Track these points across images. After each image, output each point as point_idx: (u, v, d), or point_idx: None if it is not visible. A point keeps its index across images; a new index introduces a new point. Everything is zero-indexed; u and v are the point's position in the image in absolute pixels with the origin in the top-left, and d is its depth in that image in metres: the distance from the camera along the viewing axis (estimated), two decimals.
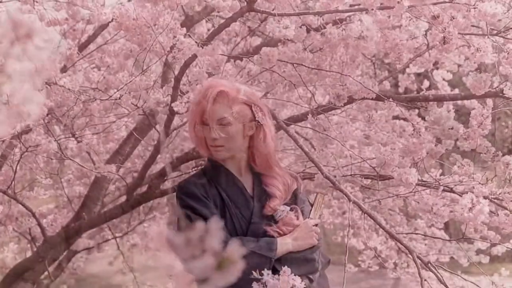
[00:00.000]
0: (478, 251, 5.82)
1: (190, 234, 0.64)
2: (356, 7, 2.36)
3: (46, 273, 4.43)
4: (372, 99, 2.76)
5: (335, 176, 3.03)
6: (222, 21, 3.23)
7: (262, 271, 1.99)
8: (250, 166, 2.34)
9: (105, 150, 5.15)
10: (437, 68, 5.11)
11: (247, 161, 2.33)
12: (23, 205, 3.68)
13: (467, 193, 3.12)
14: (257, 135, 2.29)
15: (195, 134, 2.25)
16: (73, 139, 3.97)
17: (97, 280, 11.95)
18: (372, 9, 2.15)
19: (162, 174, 3.70)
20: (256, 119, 2.25)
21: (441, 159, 5.61)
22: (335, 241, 6.75)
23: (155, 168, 4.89)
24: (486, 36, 2.94)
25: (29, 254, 4.38)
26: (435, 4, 2.40)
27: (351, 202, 2.27)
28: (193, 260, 0.63)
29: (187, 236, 0.64)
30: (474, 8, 2.34)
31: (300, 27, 2.79)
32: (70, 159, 3.37)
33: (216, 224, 0.65)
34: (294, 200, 2.33)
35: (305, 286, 2.00)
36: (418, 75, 5.86)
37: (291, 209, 2.27)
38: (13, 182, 3.60)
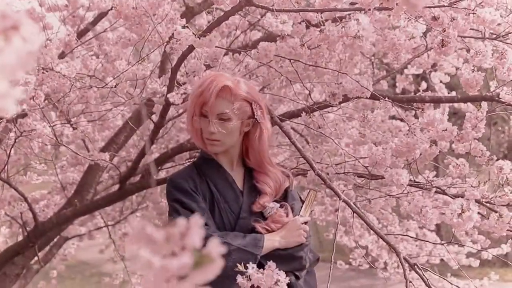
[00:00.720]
0: (469, 254, 5.84)
1: (170, 230, 0.64)
2: (354, 6, 2.35)
3: (36, 258, 4.44)
4: (366, 98, 2.75)
5: (327, 174, 3.04)
6: (222, 14, 3.23)
7: (247, 265, 1.99)
8: (242, 160, 2.35)
9: (101, 138, 5.15)
10: (435, 70, 5.11)
11: (240, 155, 2.33)
12: (16, 189, 3.68)
13: (459, 196, 3.15)
14: (253, 132, 2.29)
15: (192, 124, 2.24)
16: (68, 125, 3.97)
17: (88, 268, 11.97)
18: (369, 9, 2.15)
19: (156, 164, 3.70)
20: (255, 116, 2.26)
21: (436, 161, 5.62)
22: (327, 238, 6.76)
23: (150, 158, 4.90)
24: (485, 40, 2.95)
25: (20, 238, 4.37)
26: (434, 7, 2.40)
27: (341, 200, 2.27)
28: (171, 257, 0.63)
29: (167, 232, 0.64)
30: (473, 13, 2.34)
31: (300, 23, 2.79)
32: (64, 145, 3.37)
33: (197, 221, 0.66)
34: (284, 197, 2.34)
35: (289, 281, 1.99)
36: (416, 76, 5.87)
37: (281, 206, 2.27)
38: (6, 166, 3.60)
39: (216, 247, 0.65)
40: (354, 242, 6.20)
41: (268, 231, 2.21)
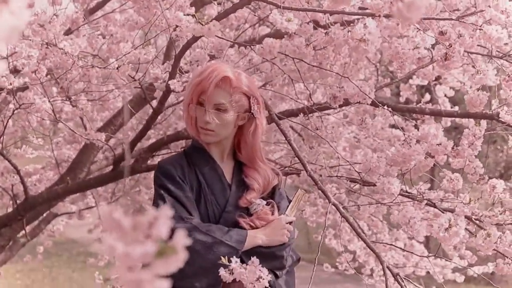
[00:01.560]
0: (455, 269, 5.83)
1: (138, 219, 0.64)
2: (364, 11, 2.35)
3: (23, 231, 4.44)
4: (367, 104, 2.75)
5: (320, 176, 3.04)
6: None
7: (231, 258, 1.99)
8: (233, 153, 2.35)
9: (100, 118, 5.15)
10: (440, 83, 5.11)
11: (231, 148, 2.33)
12: (9, 161, 3.68)
13: (450, 210, 3.15)
14: (247, 126, 2.29)
15: (188, 112, 2.23)
16: (68, 102, 3.97)
17: (75, 246, 11.99)
18: (379, 16, 2.14)
19: (151, 149, 3.70)
20: (251, 111, 2.25)
21: (432, 173, 5.61)
22: (316, 239, 6.75)
23: (146, 143, 4.89)
24: (490, 58, 2.95)
25: (10, 210, 4.38)
26: (441, 19, 2.40)
27: (330, 204, 2.27)
28: (135, 244, 0.63)
29: (135, 220, 0.64)
30: (480, 29, 2.33)
31: (308, 23, 2.78)
32: (62, 122, 3.37)
33: (165, 212, 0.65)
34: (272, 194, 2.33)
35: (269, 280, 2.00)
36: (421, 87, 5.86)
37: (268, 204, 2.27)
38: (2, 138, 3.60)
39: (181, 240, 0.65)
40: (342, 246, 6.20)
41: (252, 227, 2.21)
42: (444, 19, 2.39)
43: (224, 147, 2.30)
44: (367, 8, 2.35)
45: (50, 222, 5.43)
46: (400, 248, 3.74)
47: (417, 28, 2.65)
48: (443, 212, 2.97)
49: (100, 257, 6.60)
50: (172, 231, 1.89)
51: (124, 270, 0.63)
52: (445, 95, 5.21)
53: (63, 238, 11.22)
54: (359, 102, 2.72)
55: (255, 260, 1.99)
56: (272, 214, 2.25)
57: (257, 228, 2.21)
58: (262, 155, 2.34)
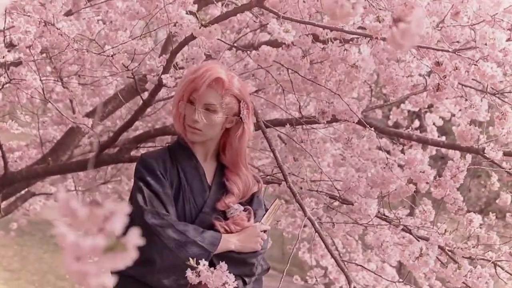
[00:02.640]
0: None
1: (95, 210, 0.64)
2: (363, 31, 2.36)
3: None
4: (353, 122, 2.76)
5: (301, 188, 3.04)
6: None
7: (199, 261, 1.98)
8: (217, 154, 2.34)
9: (90, 103, 5.13)
10: (431, 112, 5.13)
11: (215, 149, 2.33)
12: None
13: (425, 238, 3.16)
14: (235, 130, 2.29)
15: (177, 108, 2.23)
16: (60, 83, 3.95)
17: (49, 228, 11.89)
18: (376, 38, 2.15)
19: (136, 141, 3.69)
20: (240, 115, 2.26)
21: (414, 200, 5.64)
22: (290, 251, 6.74)
23: (133, 134, 4.88)
24: (485, 94, 2.96)
25: None
26: (439, 50, 2.41)
27: (306, 217, 2.27)
28: (86, 235, 0.63)
29: (91, 211, 0.64)
30: (475, 65, 2.34)
31: (307, 35, 2.79)
32: (50, 101, 3.35)
33: (124, 208, 0.65)
34: (250, 201, 2.33)
35: (236, 286, 1.99)
36: (412, 113, 5.89)
37: (245, 210, 2.27)
38: None
39: (134, 239, 0.65)
40: (315, 260, 6.20)
41: (227, 232, 2.21)
42: (441, 50, 2.40)
43: (209, 147, 2.30)
44: (366, 29, 2.36)
45: (26, 201, 5.40)
46: (371, 271, 3.74)
47: (414, 55, 2.66)
48: (417, 240, 2.98)
49: None
50: (146, 225, 1.89)
51: (71, 259, 0.63)
52: (434, 124, 5.24)
53: (38, 218, 11.13)
54: (346, 120, 2.72)
55: (223, 265, 1.98)
56: (248, 220, 2.26)
57: (231, 232, 2.21)
58: (246, 161, 2.34)
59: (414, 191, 3.06)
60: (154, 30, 3.18)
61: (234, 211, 2.24)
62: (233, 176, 2.29)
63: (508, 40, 2.30)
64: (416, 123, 5.18)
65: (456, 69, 2.46)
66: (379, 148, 4.88)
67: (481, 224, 3.24)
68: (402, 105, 5.05)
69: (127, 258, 0.65)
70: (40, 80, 3.16)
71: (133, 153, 3.79)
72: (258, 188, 2.37)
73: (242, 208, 2.26)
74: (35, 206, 6.06)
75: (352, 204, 2.80)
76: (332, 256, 2.19)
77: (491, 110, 3.53)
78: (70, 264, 0.63)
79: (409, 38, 0.93)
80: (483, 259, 2.97)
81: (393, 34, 0.93)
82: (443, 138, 4.92)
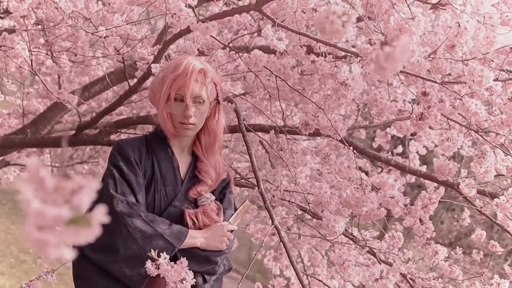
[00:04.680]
0: None
1: (63, 182, 0.64)
2: (353, 49, 2.37)
3: None
4: (336, 139, 2.77)
5: (273, 196, 3.05)
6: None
7: (161, 254, 1.98)
8: (192, 148, 2.34)
9: (78, 81, 5.11)
10: (415, 140, 5.17)
11: (192, 141, 2.32)
12: None
13: (388, 263, 3.18)
14: (213, 114, 2.30)
15: (166, 110, 2.20)
16: (50, 57, 3.93)
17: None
18: (366, 59, 2.16)
19: (117, 125, 3.67)
20: (218, 98, 2.27)
21: (385, 224, 5.67)
22: (257, 256, 6.75)
23: (116, 118, 4.87)
24: (468, 130, 2.98)
25: None
26: (427, 80, 2.42)
27: (272, 226, 2.27)
28: (50, 205, 0.63)
29: (60, 182, 0.63)
30: (460, 99, 2.36)
31: (301, 46, 2.79)
32: (36, 73, 3.32)
33: (93, 185, 0.65)
34: (222, 199, 2.34)
35: (195, 283, 1.99)
36: (397, 138, 5.92)
37: (216, 201, 2.29)
38: None
39: (99, 216, 0.65)
40: (279, 270, 6.21)
41: (194, 223, 2.20)
42: (429, 80, 2.42)
43: (188, 140, 2.30)
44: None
45: (1, 169, 5.36)
46: (325, 284, 3.75)
47: (402, 81, 2.67)
48: (380, 263, 2.99)
49: None
50: (114, 212, 1.88)
51: (33, 228, 0.63)
52: (417, 152, 5.27)
53: (10, 189, 11.07)
54: (329, 136, 2.73)
55: (184, 260, 1.98)
56: (217, 214, 2.26)
57: (199, 223, 2.21)
58: (221, 145, 2.35)
59: (387, 216, 3.07)
60: (150, 18, 3.16)
61: (205, 199, 2.24)
62: (205, 167, 2.29)
63: (495, 80, 2.32)
64: (400, 148, 5.21)
65: (441, 101, 2.48)
66: (360, 168, 4.92)
67: (447, 257, 3.27)
68: (388, 129, 5.08)
69: (90, 234, 0.65)
70: (30, 51, 3.14)
71: (112, 137, 3.78)
72: (227, 177, 2.38)
73: (213, 197, 2.27)
74: (9, 176, 6.02)
75: (321, 219, 2.81)
76: (293, 266, 2.19)
77: (475, 146, 3.56)
78: (31, 232, 0.63)
79: (392, 62, 0.94)
80: None
81: (378, 56, 0.94)
82: (424, 167, 4.95)
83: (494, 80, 2.27)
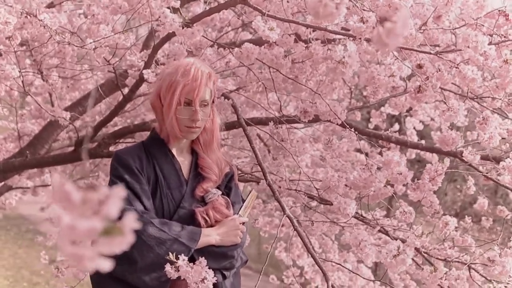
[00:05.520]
0: None
1: (89, 194, 0.63)
2: (346, 32, 2.36)
3: None
4: (336, 124, 2.77)
5: (279, 187, 3.05)
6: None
7: (179, 256, 1.98)
8: (191, 147, 2.34)
9: (69, 97, 5.09)
10: (411, 115, 5.17)
11: (191, 140, 2.32)
12: None
13: (401, 240, 3.18)
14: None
15: (175, 115, 2.19)
16: (39, 76, 3.91)
17: (25, 223, 11.80)
18: (360, 38, 2.16)
19: (115, 136, 3.66)
20: (214, 97, 2.28)
21: (390, 202, 5.68)
22: (267, 250, 6.76)
23: (112, 129, 4.85)
24: (465, 98, 2.98)
25: None
26: (421, 52, 2.42)
27: (285, 216, 2.27)
28: (81, 218, 0.62)
29: (86, 194, 0.63)
30: (456, 67, 2.36)
31: (289, 35, 2.79)
32: (29, 94, 3.31)
33: (118, 192, 0.65)
34: (228, 192, 2.34)
35: (216, 281, 2.00)
36: (392, 116, 5.92)
37: (223, 195, 2.29)
38: None
39: (131, 223, 0.64)
40: (291, 260, 6.22)
41: (206, 221, 2.20)
42: (423, 52, 2.42)
43: (187, 140, 2.30)
44: (349, 30, 2.37)
45: (2, 194, 5.34)
46: (348, 270, 3.76)
47: (396, 57, 2.67)
48: (395, 239, 3.00)
49: (48, 236, 6.50)
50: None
51: (67, 243, 0.62)
52: (414, 128, 5.28)
53: (14, 213, 11.06)
54: (329, 120, 2.73)
55: (202, 260, 1.98)
56: (227, 207, 2.26)
57: (211, 220, 2.21)
58: (219, 143, 2.36)
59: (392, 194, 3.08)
60: (136, 26, 3.15)
61: (212, 195, 2.24)
62: (208, 163, 2.30)
63: (489, 43, 2.32)
64: (396, 126, 5.21)
65: (439, 71, 2.48)
66: (358, 150, 4.92)
67: (456, 227, 3.27)
68: (382, 108, 5.08)
69: (123, 242, 0.65)
70: (20, 71, 3.13)
71: (111, 148, 3.76)
72: (231, 171, 2.39)
73: (220, 192, 2.27)
74: (11, 201, 6.00)
75: (331, 204, 2.81)
76: (311, 254, 2.19)
77: (469, 115, 3.57)
78: (65, 247, 0.62)
79: (394, 38, 0.94)
80: (458, 261, 3.00)
81: (379, 34, 0.94)
82: (423, 142, 4.96)
83: (488, 44, 2.27)
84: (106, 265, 0.66)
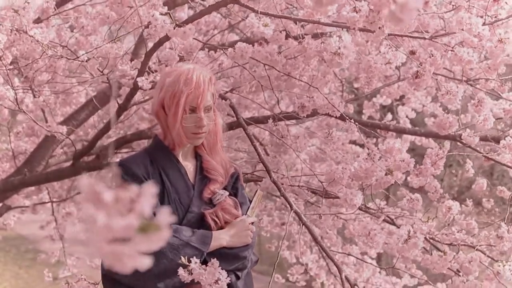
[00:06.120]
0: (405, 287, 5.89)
1: (121, 193, 0.63)
2: (338, 23, 2.37)
3: None
4: (335, 117, 2.77)
5: (282, 184, 3.05)
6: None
7: (191, 259, 1.98)
8: (195, 151, 2.34)
9: (61, 113, 5.07)
10: (403, 104, 5.19)
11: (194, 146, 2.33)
12: None
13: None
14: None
15: (181, 124, 2.18)
16: (30, 93, 3.89)
17: (24, 243, 11.75)
18: (354, 29, 2.16)
19: (113, 147, 3.65)
20: (215, 99, 2.28)
21: (388, 190, 5.70)
22: (269, 249, 6.77)
23: (106, 141, 4.84)
24: (461, 82, 2.99)
25: None
26: (415, 37, 2.43)
27: (292, 211, 2.27)
28: (117, 217, 0.62)
29: (118, 194, 0.63)
30: (452, 50, 2.37)
31: (280, 31, 2.79)
32: (24, 111, 3.29)
33: (150, 189, 0.65)
34: (235, 189, 2.35)
35: (230, 281, 2.00)
36: (383, 107, 5.94)
37: (230, 195, 2.29)
38: None
39: (165, 218, 0.64)
40: (295, 258, 6.22)
41: (216, 222, 2.20)
42: (417, 38, 2.43)
43: (190, 146, 2.30)
44: (342, 22, 2.37)
45: (1, 215, 5.31)
46: (358, 258, 3.77)
47: (389, 45, 2.68)
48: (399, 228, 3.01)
49: (50, 254, 6.47)
50: None
51: (103, 243, 0.62)
52: (407, 116, 5.29)
53: (13, 234, 11.00)
54: (328, 114, 2.73)
55: (214, 262, 1.98)
56: (235, 208, 2.26)
57: (221, 221, 2.21)
58: (222, 144, 2.37)
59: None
60: (126, 34, 3.14)
61: (220, 196, 2.24)
62: (213, 165, 2.29)
63: (482, 24, 2.33)
64: (389, 116, 5.23)
65: (432, 56, 2.49)
66: (352, 142, 4.94)
67: (458, 211, 3.28)
68: (374, 99, 5.10)
69: (161, 238, 0.64)
70: (14, 89, 3.11)
71: (110, 159, 3.76)
72: (236, 171, 2.39)
73: (227, 193, 2.27)
74: (9, 221, 5.96)
75: (336, 197, 2.81)
76: (322, 247, 2.19)
77: (462, 98, 3.59)
78: (103, 248, 0.62)
79: (408, 12, 0.94)
80: (464, 244, 3.01)
81: (392, 11, 0.94)
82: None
83: (481, 25, 2.28)
84: (146, 262, 0.66)
